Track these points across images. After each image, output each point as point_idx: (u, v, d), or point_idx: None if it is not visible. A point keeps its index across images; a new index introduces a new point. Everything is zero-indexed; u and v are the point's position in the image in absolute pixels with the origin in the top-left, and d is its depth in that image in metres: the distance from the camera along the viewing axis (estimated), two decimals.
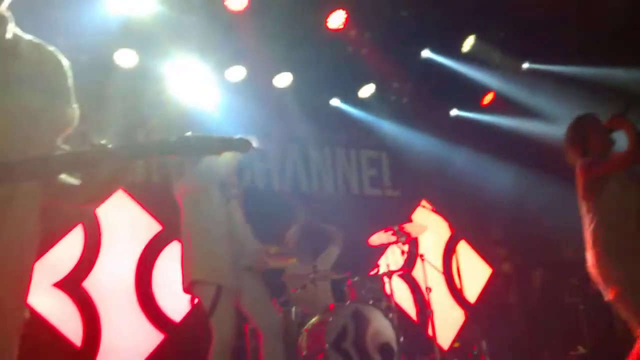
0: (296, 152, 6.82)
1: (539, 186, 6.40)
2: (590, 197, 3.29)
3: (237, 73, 5.94)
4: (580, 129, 3.56)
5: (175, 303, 5.32)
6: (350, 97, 6.89)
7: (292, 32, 5.61)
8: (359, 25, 5.90)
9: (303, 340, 4.43)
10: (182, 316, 5.38)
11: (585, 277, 6.02)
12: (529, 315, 6.43)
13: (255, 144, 3.22)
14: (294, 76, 6.23)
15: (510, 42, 6.43)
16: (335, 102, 6.91)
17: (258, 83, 6.16)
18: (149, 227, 5.54)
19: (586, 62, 6.12)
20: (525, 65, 6.84)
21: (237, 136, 1.73)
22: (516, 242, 7.07)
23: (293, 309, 4.68)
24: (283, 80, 6.26)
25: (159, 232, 5.54)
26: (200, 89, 5.75)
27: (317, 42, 5.90)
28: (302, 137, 6.69)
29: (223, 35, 5.40)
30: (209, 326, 3.44)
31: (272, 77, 6.23)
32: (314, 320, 4.53)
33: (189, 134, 1.68)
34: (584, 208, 3.36)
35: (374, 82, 6.78)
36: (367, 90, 6.83)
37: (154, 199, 5.47)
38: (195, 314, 5.12)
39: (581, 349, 5.64)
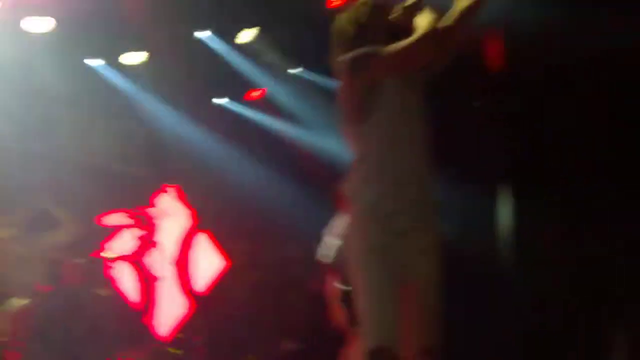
0: (41, 111, 6.32)
1: (285, 187, 6.93)
2: (360, 117, 2.30)
3: None
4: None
5: None
6: (113, 61, 6.61)
7: None
8: None
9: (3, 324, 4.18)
10: None
11: (309, 275, 6.74)
12: (254, 310, 6.92)
13: None
14: (55, 24, 5.78)
15: (288, 44, 6.81)
16: (95, 62, 6.56)
17: (9, 25, 5.60)
18: None
19: None
20: (296, 70, 7.30)
21: None
22: (256, 237, 7.53)
23: None
24: (38, 25, 5.76)
25: None
26: None
27: None
28: (48, 95, 6.21)
29: None
30: None
31: (24, 19, 5.70)
32: (18, 303, 4.31)
33: None
34: (350, 136, 2.38)
35: (146, 51, 6.62)
36: (134, 58, 6.63)
37: None
38: None
39: (292, 344, 6.25)
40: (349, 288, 4.10)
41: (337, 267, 4.35)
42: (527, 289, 5.07)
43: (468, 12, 2.31)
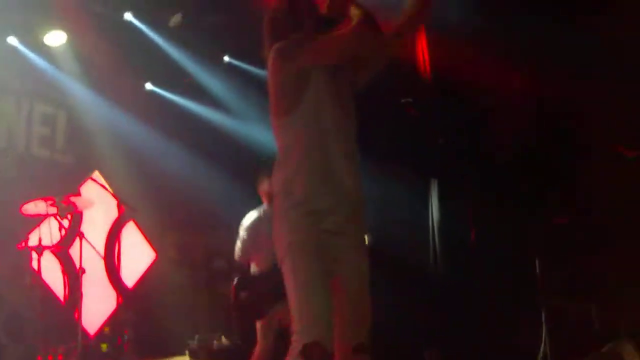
0: None
1: (215, 177, 6.82)
2: (287, 107, 2.27)
3: None
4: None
5: None
6: (32, 41, 6.25)
7: None
8: None
9: None
10: None
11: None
12: (183, 303, 6.78)
13: None
14: None
15: (216, 31, 6.68)
16: (13, 41, 6.17)
17: None
18: None
19: None
20: (226, 59, 7.19)
21: None
22: (187, 228, 7.38)
23: None
24: None
25: None
26: None
27: None
28: None
29: None
30: None
31: None
32: None
33: None
34: (278, 127, 2.33)
35: (65, 31, 6.31)
36: (55, 38, 6.31)
37: None
38: None
39: (224, 340, 6.18)
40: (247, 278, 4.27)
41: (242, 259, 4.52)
42: (453, 278, 5.27)
43: (415, 17, 2.37)
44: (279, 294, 2.31)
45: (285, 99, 2.26)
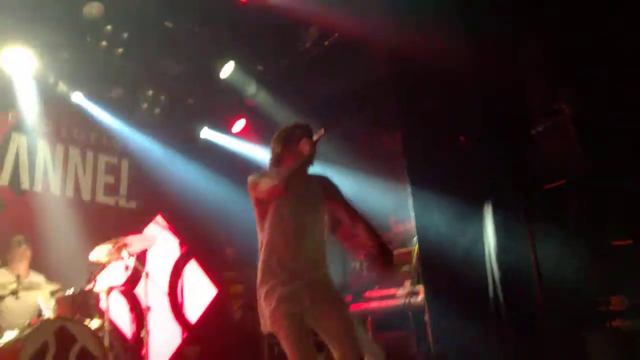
0: (20, 144, 6.11)
1: None
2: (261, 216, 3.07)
3: None
4: (294, 134, 3.12)
5: None
6: (98, 95, 6.51)
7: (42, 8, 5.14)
8: (116, 22, 5.68)
9: None
10: None
11: None
12: (246, 338, 6.71)
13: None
14: (35, 56, 5.68)
15: (266, 76, 6.79)
16: (78, 97, 6.43)
17: None
18: None
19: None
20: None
21: None
22: (248, 265, 7.36)
23: None
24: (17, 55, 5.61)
25: None
26: None
27: (69, 26, 5.51)
28: (31, 129, 6.07)
29: None
30: None
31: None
32: (12, 336, 4.07)
33: None
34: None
35: (125, 84, 6.54)
36: (117, 91, 6.55)
37: None
38: None
39: None
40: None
41: None
42: (513, 303, 5.04)
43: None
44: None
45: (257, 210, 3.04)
